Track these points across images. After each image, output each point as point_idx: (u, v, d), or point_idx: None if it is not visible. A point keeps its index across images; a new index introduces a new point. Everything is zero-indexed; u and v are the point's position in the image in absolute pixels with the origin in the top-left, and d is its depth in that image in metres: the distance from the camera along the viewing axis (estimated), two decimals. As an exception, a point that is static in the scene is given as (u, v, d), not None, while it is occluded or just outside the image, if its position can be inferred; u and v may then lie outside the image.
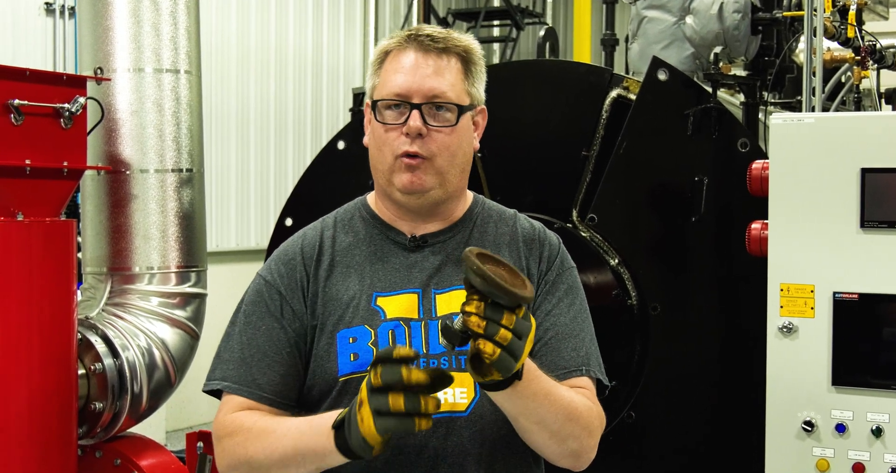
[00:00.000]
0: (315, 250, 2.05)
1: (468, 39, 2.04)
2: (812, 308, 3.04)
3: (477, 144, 2.08)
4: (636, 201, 3.64)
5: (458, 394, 1.95)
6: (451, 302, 1.97)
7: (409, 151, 1.95)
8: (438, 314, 1.97)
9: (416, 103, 1.95)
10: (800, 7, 4.17)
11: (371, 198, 2.12)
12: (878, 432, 2.96)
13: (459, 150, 2.00)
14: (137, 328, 3.37)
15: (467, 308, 1.63)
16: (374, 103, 2.00)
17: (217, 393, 2.03)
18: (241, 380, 1.97)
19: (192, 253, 3.53)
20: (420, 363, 1.91)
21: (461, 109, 1.98)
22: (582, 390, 1.96)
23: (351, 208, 2.13)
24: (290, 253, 2.06)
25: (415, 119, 1.94)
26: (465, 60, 2.01)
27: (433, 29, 2.02)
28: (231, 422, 1.95)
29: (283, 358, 1.98)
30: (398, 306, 1.98)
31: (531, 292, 1.65)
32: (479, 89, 2.05)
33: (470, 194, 2.13)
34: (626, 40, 4.78)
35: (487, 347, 1.62)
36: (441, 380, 1.66)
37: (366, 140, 2.05)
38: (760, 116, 3.92)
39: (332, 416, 1.78)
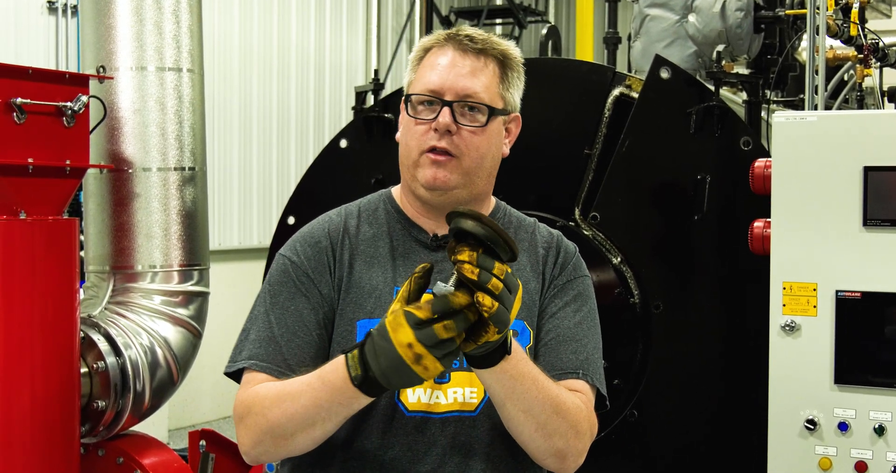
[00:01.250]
0: (339, 235, 2.03)
1: (508, 45, 2.04)
2: (815, 307, 3.03)
3: (507, 151, 2.07)
4: (638, 200, 3.64)
5: (468, 394, 1.95)
6: None
7: (437, 146, 1.94)
8: None
9: (448, 101, 1.95)
10: (802, 5, 4.17)
11: (396, 191, 2.11)
12: (880, 430, 2.96)
13: (488, 153, 1.99)
14: (140, 327, 3.37)
15: (459, 257, 1.61)
16: (408, 98, 2.00)
17: (238, 377, 1.97)
18: (270, 359, 1.92)
19: (195, 251, 3.53)
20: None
21: (492, 111, 1.97)
22: (577, 393, 1.95)
23: (375, 200, 2.11)
24: (317, 236, 2.03)
25: (444, 116, 1.94)
26: (503, 64, 2.01)
27: (475, 31, 2.02)
28: (252, 397, 1.88)
29: (314, 340, 1.95)
30: None
31: (518, 251, 1.64)
32: (515, 96, 2.05)
33: (493, 200, 2.13)
34: (629, 39, 4.78)
35: (486, 299, 1.59)
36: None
37: (398, 135, 2.04)
38: (763, 114, 3.91)
39: (337, 359, 1.75)
